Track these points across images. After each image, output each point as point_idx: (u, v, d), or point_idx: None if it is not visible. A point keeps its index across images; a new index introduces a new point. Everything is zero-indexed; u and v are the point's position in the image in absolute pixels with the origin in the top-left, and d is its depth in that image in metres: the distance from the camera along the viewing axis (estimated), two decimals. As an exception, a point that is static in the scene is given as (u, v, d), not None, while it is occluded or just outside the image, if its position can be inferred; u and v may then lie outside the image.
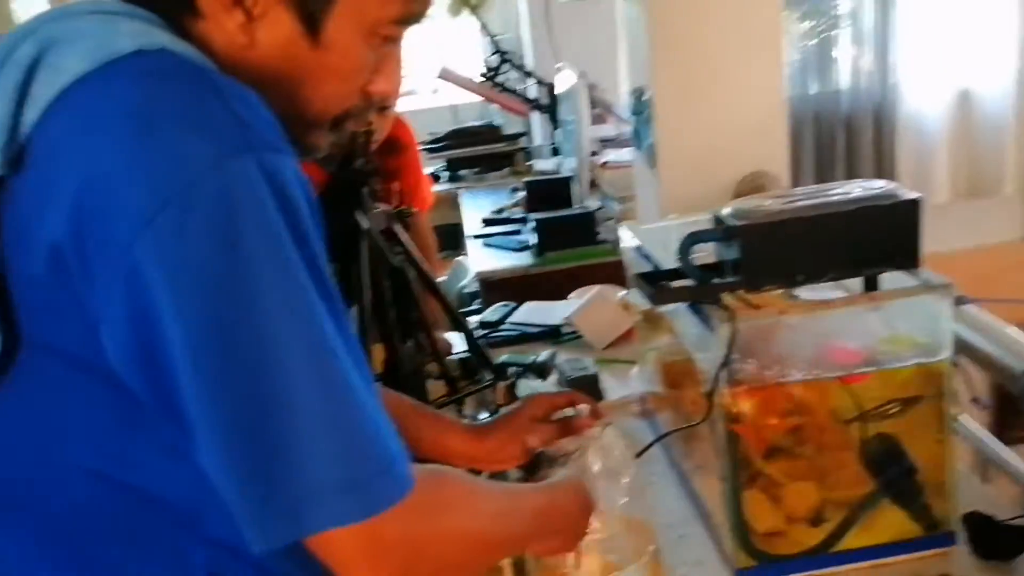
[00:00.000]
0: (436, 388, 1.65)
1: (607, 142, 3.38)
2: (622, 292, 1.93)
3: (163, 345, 0.60)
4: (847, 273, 1.04)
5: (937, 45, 3.92)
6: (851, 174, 4.14)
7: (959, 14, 3.83)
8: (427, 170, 3.80)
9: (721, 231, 1.05)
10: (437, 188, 3.86)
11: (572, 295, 2.08)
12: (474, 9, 3.57)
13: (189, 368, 0.60)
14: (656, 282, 1.11)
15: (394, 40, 0.76)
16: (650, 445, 1.34)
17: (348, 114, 0.78)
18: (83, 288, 0.62)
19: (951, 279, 1.03)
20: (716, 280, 1.06)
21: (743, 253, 1.02)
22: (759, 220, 1.02)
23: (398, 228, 1.46)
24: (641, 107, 2.12)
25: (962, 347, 1.19)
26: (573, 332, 1.88)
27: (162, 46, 0.66)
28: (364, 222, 1.37)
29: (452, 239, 3.73)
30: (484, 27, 3.50)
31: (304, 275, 0.62)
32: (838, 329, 1.03)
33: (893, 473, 1.05)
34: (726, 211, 1.06)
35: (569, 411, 1.12)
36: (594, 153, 3.18)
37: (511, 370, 1.56)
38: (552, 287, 2.42)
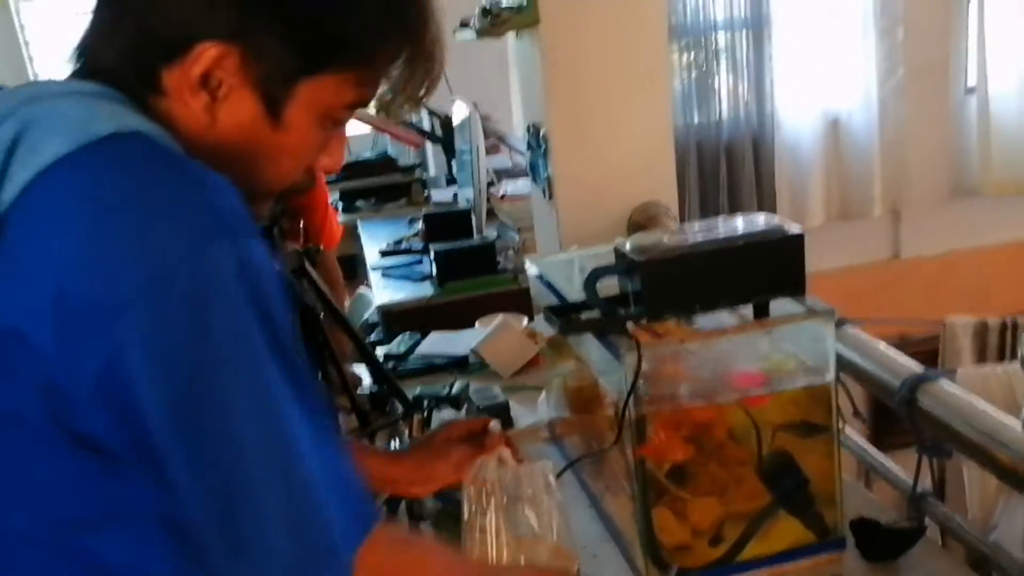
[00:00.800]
0: (347, 422, 1.67)
1: (503, 173, 3.46)
2: (526, 320, 1.99)
3: (141, 417, 0.64)
4: (739, 302, 1.12)
5: (808, 75, 4.14)
6: (733, 199, 4.32)
7: (827, 45, 4.07)
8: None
9: (623, 266, 1.12)
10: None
11: (477, 324, 2.13)
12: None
13: (167, 439, 0.65)
14: (564, 314, 1.17)
15: (343, 122, 0.81)
16: (564, 470, 1.39)
17: (294, 187, 0.82)
18: (51, 364, 0.64)
19: (829, 298, 1.13)
20: (621, 311, 1.12)
21: (644, 286, 1.09)
22: (658, 255, 1.09)
23: (308, 266, 1.48)
24: (537, 142, 2.20)
25: (843, 364, 1.29)
26: (480, 361, 1.93)
27: (136, 129, 0.69)
28: (276, 263, 1.38)
29: (351, 269, 3.72)
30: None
31: (269, 365, 0.66)
32: (734, 354, 1.11)
33: (787, 486, 1.14)
34: (627, 246, 1.13)
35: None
36: (491, 184, 3.25)
37: (426, 403, 1.60)
38: (454, 317, 2.46)
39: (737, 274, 1.11)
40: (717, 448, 1.12)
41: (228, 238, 0.65)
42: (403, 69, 0.78)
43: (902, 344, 1.32)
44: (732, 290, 1.11)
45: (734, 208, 4.33)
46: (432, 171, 4.17)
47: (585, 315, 1.15)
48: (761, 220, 1.16)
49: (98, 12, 0.76)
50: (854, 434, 1.39)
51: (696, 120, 4.21)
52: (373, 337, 2.73)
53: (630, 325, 1.09)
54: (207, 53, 0.71)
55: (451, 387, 1.64)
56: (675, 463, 1.12)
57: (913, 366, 1.21)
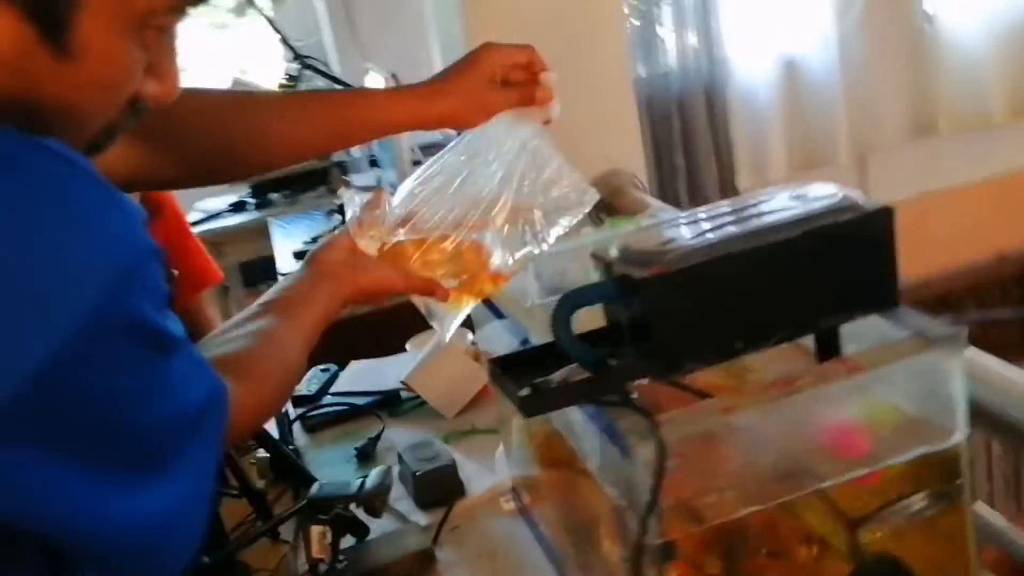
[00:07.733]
0: (237, 509, 1.23)
1: (432, 148, 3.01)
2: (469, 337, 1.55)
3: None
4: (801, 328, 0.70)
5: (758, 16, 3.81)
6: (689, 157, 3.98)
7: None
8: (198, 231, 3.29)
9: (613, 287, 0.69)
10: (244, 218, 3.42)
11: (408, 345, 1.69)
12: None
13: None
14: (522, 373, 0.73)
15: (169, 30, 0.58)
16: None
17: (112, 128, 0.59)
18: None
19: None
20: (611, 361, 0.69)
21: (653, 319, 0.66)
22: (669, 267, 0.66)
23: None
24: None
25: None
26: (414, 397, 1.49)
27: None
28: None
29: (265, 273, 3.31)
30: (274, 27, 3.07)
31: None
32: (805, 415, 0.69)
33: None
34: (614, 253, 0.70)
35: None
36: (416, 162, 2.82)
37: (326, 513, 1.06)
38: (388, 328, 2.04)
39: (794, 284, 0.69)
40: (791, 566, 0.70)
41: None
42: None
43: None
44: (789, 311, 0.69)
45: (691, 168, 3.99)
46: (353, 152, 3.74)
47: (558, 376, 0.70)
48: (816, 192, 0.73)
49: None
50: (986, 510, 0.92)
51: (643, 74, 3.84)
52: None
53: (635, 388, 0.66)
54: None
55: (362, 483, 1.09)
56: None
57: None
